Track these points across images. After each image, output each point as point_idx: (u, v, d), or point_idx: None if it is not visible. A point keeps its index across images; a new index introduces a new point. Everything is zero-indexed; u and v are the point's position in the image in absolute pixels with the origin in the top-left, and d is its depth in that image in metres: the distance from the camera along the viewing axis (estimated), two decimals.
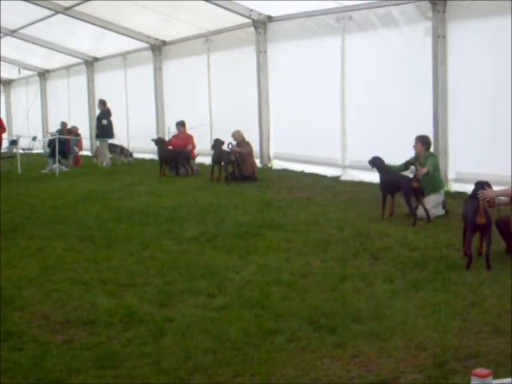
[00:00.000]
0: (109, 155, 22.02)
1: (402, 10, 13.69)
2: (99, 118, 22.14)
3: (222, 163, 16.26)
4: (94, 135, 24.68)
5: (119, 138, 22.67)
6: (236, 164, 15.96)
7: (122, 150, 22.68)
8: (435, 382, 4.60)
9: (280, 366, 4.95)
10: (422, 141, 11.00)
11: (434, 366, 4.85)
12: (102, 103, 22.17)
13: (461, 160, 12.67)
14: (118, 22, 20.97)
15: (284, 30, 17.32)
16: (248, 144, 16.39)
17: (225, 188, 15.03)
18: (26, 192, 15.27)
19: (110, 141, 22.14)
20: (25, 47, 25.78)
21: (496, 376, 3.24)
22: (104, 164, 21.70)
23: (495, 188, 8.10)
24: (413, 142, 11.04)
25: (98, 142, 23.22)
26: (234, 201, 12.88)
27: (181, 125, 18.66)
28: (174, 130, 19.54)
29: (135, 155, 23.40)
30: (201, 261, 8.21)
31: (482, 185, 7.90)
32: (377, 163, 11.07)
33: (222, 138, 16.62)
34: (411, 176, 10.41)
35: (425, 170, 10.51)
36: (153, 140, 18.96)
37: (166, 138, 19.90)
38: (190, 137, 18.41)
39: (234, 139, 16.37)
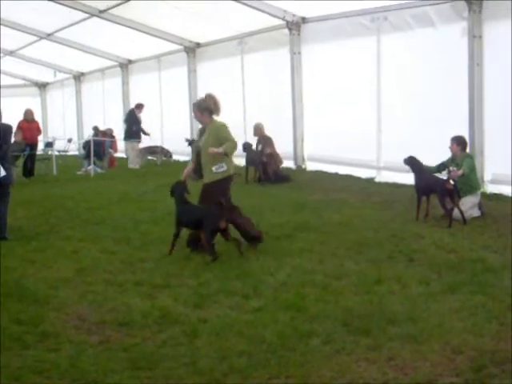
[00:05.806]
0: (137, 157, 22.20)
1: (438, 10, 13.57)
2: (127, 121, 22.43)
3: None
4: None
5: (153, 139, 22.87)
6: (266, 164, 16.08)
7: (162, 150, 23.14)
8: None
9: (315, 369, 4.93)
10: (458, 141, 10.92)
11: (471, 370, 4.80)
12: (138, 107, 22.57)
13: (497, 161, 12.51)
14: (152, 25, 21.06)
15: (318, 31, 17.25)
16: (270, 140, 16.52)
17: (259, 189, 15.02)
18: (62, 193, 15.40)
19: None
20: (60, 50, 25.99)
21: None
22: (131, 166, 21.82)
23: None
24: (448, 144, 10.95)
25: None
26: (268, 202, 12.87)
27: None
28: None
29: None
30: (235, 262, 8.22)
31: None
32: (411, 162, 10.97)
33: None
34: (446, 177, 10.32)
35: (459, 173, 10.41)
36: (187, 140, 19.02)
37: None
38: None
39: (255, 133, 16.50)
